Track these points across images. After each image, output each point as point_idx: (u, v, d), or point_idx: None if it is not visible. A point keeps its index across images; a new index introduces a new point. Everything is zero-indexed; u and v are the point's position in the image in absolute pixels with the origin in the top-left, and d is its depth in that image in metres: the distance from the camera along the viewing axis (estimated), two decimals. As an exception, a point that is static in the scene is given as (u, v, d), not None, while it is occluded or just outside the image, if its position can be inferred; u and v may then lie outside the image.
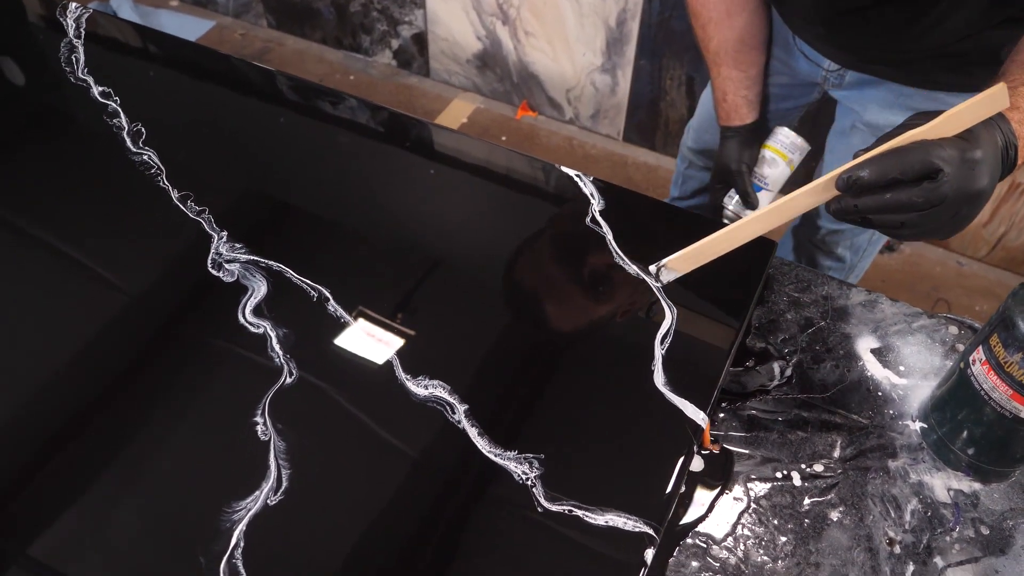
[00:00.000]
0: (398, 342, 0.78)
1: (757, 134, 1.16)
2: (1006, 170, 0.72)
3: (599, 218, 0.88)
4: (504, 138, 2.36)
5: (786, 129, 1.14)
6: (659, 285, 0.82)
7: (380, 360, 0.77)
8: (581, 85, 2.27)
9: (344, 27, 2.56)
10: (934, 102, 1.04)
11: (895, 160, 0.66)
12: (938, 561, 0.71)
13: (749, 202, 1.14)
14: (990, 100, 0.66)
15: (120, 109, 1.01)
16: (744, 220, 0.75)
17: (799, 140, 1.14)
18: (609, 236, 0.86)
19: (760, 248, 0.86)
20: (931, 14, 0.89)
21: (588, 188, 0.92)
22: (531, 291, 0.86)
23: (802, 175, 1.73)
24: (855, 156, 0.69)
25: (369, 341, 0.78)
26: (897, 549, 0.72)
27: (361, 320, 0.80)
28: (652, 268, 0.81)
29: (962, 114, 0.66)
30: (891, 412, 0.81)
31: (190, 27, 2.70)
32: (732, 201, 1.16)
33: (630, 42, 2.10)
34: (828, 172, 0.69)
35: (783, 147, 1.14)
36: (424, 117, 2.15)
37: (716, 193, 1.20)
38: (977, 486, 0.76)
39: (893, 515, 0.74)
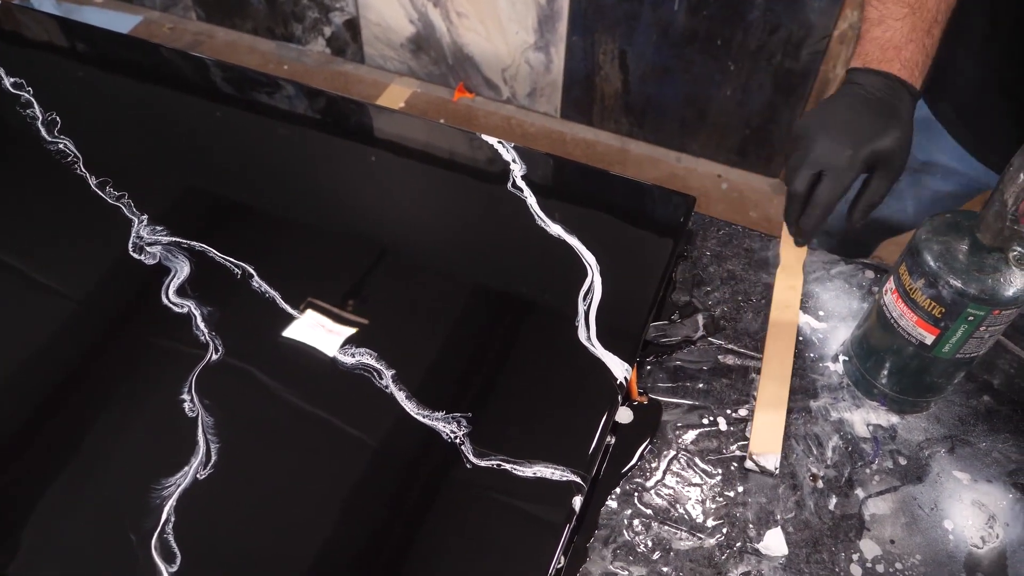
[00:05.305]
0: (324, 314, 0.78)
1: None
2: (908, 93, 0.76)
3: (520, 182, 0.89)
4: (442, 120, 2.35)
5: None
6: None
7: (307, 333, 0.77)
8: (516, 64, 2.27)
9: (275, 16, 2.53)
10: None
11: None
12: (859, 492, 0.74)
13: None
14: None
15: (33, 99, 0.99)
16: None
17: None
18: (531, 200, 0.87)
19: (680, 203, 0.88)
20: None
21: (510, 154, 0.92)
22: (453, 254, 0.87)
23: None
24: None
25: (294, 314, 0.78)
26: (820, 484, 0.74)
27: (286, 294, 0.80)
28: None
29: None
30: (811, 355, 0.84)
31: (116, 23, 2.65)
32: None
33: (561, 19, 2.11)
34: None
35: None
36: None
37: None
38: (895, 419, 0.79)
39: (815, 452, 0.77)
